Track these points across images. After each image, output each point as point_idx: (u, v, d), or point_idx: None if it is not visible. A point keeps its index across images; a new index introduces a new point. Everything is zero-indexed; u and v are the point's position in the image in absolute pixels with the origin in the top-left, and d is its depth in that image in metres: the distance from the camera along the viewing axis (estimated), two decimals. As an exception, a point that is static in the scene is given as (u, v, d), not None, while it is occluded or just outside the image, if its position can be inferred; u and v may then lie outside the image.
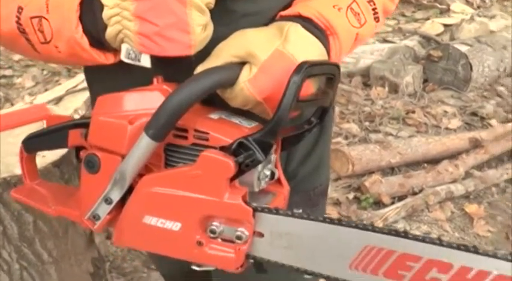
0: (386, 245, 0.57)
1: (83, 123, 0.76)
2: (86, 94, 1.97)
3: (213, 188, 0.63)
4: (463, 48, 3.23)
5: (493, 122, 2.84)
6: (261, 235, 0.64)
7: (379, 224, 2.07)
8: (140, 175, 0.68)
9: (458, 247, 0.54)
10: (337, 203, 2.24)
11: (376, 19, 0.78)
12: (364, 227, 0.58)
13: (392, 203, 2.21)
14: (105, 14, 0.66)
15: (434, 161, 2.46)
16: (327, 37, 0.72)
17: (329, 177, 0.99)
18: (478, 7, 4.38)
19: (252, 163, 0.62)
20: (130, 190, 0.69)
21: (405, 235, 0.56)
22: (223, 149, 0.63)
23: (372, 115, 2.86)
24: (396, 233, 0.57)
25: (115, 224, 0.72)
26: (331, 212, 2.17)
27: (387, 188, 2.23)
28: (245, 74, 0.66)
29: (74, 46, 0.69)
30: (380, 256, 0.58)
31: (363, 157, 2.33)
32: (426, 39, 3.71)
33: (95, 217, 0.72)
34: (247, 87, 0.65)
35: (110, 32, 0.67)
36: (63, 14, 0.68)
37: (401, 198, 2.24)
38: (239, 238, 0.64)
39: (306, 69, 0.61)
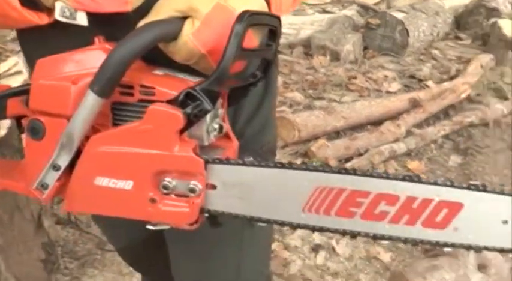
0: (336, 184, 0.59)
1: (22, 91, 0.72)
2: (21, 78, 1.89)
3: (162, 142, 0.62)
4: (399, 16, 3.33)
5: (430, 83, 2.98)
6: (214, 187, 0.65)
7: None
8: (87, 138, 0.67)
9: (404, 178, 0.57)
10: (286, 170, 2.27)
11: None
12: (315, 169, 0.60)
13: (339, 165, 2.28)
14: None
15: (377, 122, 2.54)
16: None
17: (276, 137, 1.00)
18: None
19: (201, 113, 0.62)
20: (78, 155, 0.67)
21: (354, 172, 0.58)
22: (170, 102, 0.62)
23: (315, 83, 2.90)
24: (345, 171, 0.59)
25: (64, 191, 0.70)
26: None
27: (333, 151, 2.28)
28: (188, 28, 0.65)
29: (3, 5, 0.66)
30: (331, 195, 0.60)
31: (308, 123, 2.37)
32: (364, 9, 3.80)
33: (43, 186, 0.70)
34: (191, 40, 0.65)
35: None
36: None
37: (347, 160, 2.30)
38: (192, 190, 0.64)
39: (247, 17, 0.62)
